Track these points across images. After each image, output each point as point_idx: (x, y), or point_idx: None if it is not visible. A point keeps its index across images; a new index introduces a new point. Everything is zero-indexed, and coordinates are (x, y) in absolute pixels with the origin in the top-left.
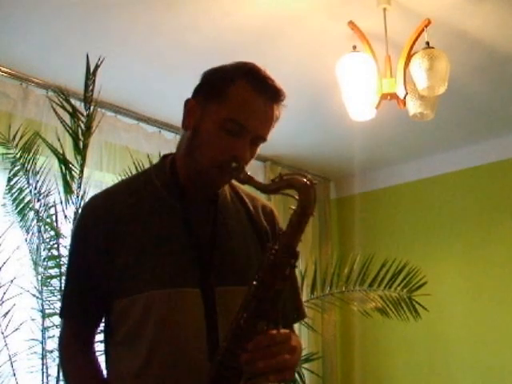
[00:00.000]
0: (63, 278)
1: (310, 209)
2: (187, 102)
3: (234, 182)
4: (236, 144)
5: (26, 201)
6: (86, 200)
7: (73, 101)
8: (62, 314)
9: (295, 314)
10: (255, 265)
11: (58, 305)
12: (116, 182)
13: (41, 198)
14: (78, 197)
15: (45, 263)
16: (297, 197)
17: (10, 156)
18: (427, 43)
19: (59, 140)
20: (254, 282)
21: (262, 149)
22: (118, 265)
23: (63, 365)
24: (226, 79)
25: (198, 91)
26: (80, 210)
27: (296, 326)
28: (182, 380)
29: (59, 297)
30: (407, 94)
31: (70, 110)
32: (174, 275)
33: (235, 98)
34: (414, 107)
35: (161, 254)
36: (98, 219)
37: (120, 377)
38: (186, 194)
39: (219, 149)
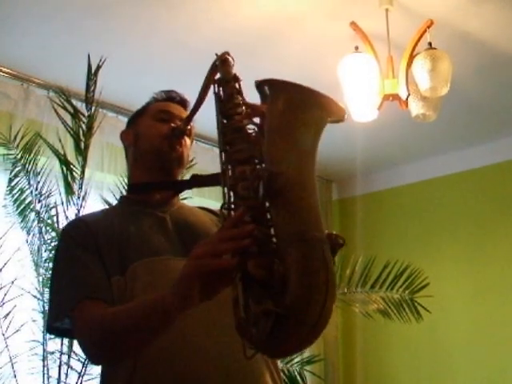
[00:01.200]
0: None
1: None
2: (121, 134)
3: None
4: (170, 124)
5: (26, 202)
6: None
7: (74, 101)
8: (71, 304)
9: None
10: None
11: None
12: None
13: (42, 198)
14: (79, 198)
15: (46, 264)
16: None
17: (10, 157)
18: (429, 44)
19: (60, 141)
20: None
21: None
22: (111, 250)
23: (110, 325)
24: (143, 106)
25: (126, 126)
26: (61, 235)
27: None
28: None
29: None
30: (409, 94)
31: (71, 111)
32: (155, 248)
33: (153, 106)
34: (416, 108)
35: (142, 237)
36: (83, 227)
37: None
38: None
39: (159, 130)
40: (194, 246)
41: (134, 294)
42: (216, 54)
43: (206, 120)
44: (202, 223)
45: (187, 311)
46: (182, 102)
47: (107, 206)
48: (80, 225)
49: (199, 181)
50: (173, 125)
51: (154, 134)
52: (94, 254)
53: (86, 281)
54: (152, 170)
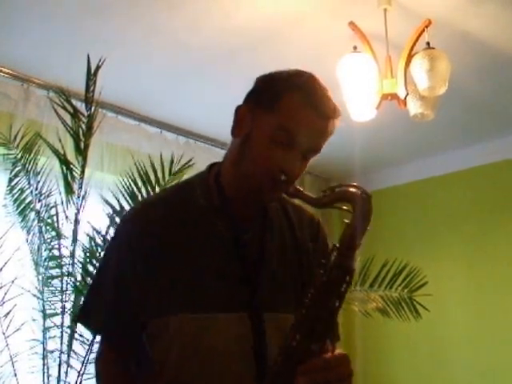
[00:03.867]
0: (64, 278)
1: (366, 223)
2: (238, 109)
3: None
4: (286, 156)
5: (26, 201)
6: (87, 200)
7: (74, 101)
8: (99, 327)
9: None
10: (296, 287)
11: (59, 305)
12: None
13: (42, 198)
14: (78, 197)
15: (46, 263)
16: (348, 209)
17: (10, 156)
18: (428, 44)
19: (60, 140)
20: (307, 301)
21: None
22: (156, 284)
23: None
24: (279, 89)
25: (249, 98)
26: (119, 223)
27: None
28: None
29: (60, 297)
30: (408, 94)
31: (71, 111)
32: (212, 299)
33: (287, 108)
34: (414, 108)
35: (202, 277)
36: (139, 236)
37: None
38: (233, 210)
39: (268, 160)
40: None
41: (156, 356)
42: None
43: (206, 120)
44: (295, 253)
45: None
46: (328, 114)
47: (108, 207)
48: (135, 231)
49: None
50: (283, 177)
51: (260, 160)
52: (138, 271)
53: (107, 314)
54: (242, 189)
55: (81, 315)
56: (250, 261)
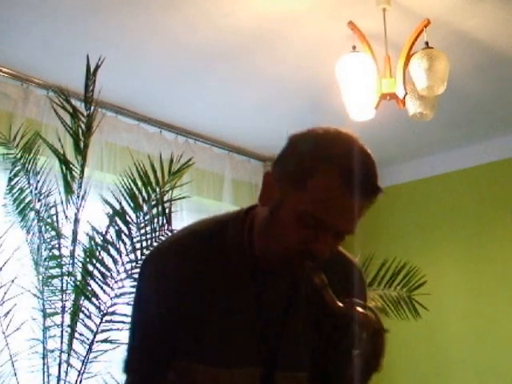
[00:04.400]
0: (64, 278)
1: (375, 363)
2: (265, 175)
3: None
4: (317, 237)
5: (26, 201)
6: (86, 199)
7: (73, 101)
8: (127, 368)
9: None
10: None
11: (59, 304)
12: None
13: (41, 198)
14: (78, 197)
15: (46, 263)
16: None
17: (10, 156)
18: (426, 43)
19: (60, 140)
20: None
21: (262, 149)
22: (185, 331)
23: None
24: (310, 164)
25: (276, 165)
26: (148, 263)
27: None
28: None
29: (60, 297)
30: (407, 93)
31: (71, 111)
32: (231, 354)
33: (316, 190)
34: (413, 107)
35: (226, 331)
36: (169, 282)
37: None
38: (261, 270)
39: (297, 241)
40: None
41: None
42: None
43: (206, 120)
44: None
45: None
46: (367, 194)
47: (108, 206)
48: (168, 274)
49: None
50: (310, 264)
51: (288, 243)
52: (172, 316)
53: (135, 355)
54: (271, 260)
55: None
56: (274, 318)
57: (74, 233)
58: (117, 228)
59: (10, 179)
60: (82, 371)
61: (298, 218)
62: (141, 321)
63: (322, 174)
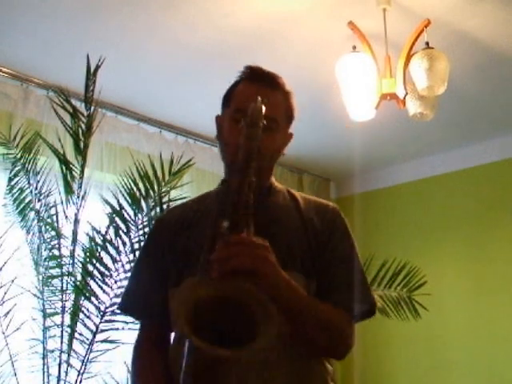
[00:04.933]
0: (64, 278)
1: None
2: (216, 118)
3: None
4: None
5: (26, 201)
6: (86, 199)
7: (73, 101)
8: (137, 314)
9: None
10: (296, 254)
11: (59, 304)
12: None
13: (41, 198)
14: (78, 197)
15: (46, 263)
16: None
17: (10, 156)
18: (427, 43)
19: (60, 140)
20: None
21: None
22: (178, 252)
23: (132, 363)
24: (231, 87)
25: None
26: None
27: None
28: None
29: (60, 297)
30: (407, 94)
31: (71, 111)
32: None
33: (237, 93)
34: (413, 107)
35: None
36: (161, 220)
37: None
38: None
39: (234, 137)
40: None
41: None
42: None
43: (205, 120)
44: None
45: None
46: (269, 84)
47: (108, 206)
48: (156, 223)
49: None
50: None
51: (228, 142)
52: (157, 259)
53: (145, 300)
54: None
55: (122, 304)
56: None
57: (74, 233)
58: (117, 228)
59: (10, 179)
60: (81, 371)
61: (231, 119)
62: (145, 255)
63: (237, 87)
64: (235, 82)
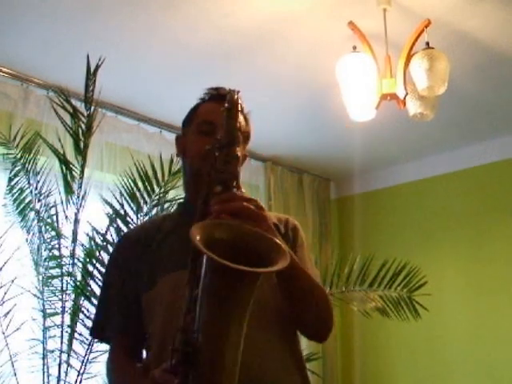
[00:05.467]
0: (64, 278)
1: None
2: (176, 140)
3: None
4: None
5: (26, 201)
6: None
7: (73, 101)
8: (106, 334)
9: None
10: None
11: (59, 304)
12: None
13: (41, 198)
14: (78, 197)
15: (46, 263)
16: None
17: (10, 156)
18: (427, 43)
19: (60, 140)
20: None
21: (262, 149)
22: (146, 263)
23: (108, 375)
24: (193, 108)
25: (182, 131)
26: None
27: None
28: None
29: (60, 297)
30: (407, 94)
31: (71, 111)
32: (177, 261)
33: (202, 110)
34: (413, 107)
35: (169, 248)
36: (129, 241)
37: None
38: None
39: (200, 147)
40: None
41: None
42: None
43: None
44: None
45: None
46: (222, 99)
47: (108, 207)
48: (120, 240)
49: None
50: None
51: (195, 152)
52: (124, 272)
53: (113, 318)
54: (193, 192)
55: (94, 331)
56: None
57: (74, 233)
58: (117, 228)
59: (10, 179)
60: (81, 371)
61: (197, 131)
62: (112, 276)
63: (200, 106)
64: (196, 104)
